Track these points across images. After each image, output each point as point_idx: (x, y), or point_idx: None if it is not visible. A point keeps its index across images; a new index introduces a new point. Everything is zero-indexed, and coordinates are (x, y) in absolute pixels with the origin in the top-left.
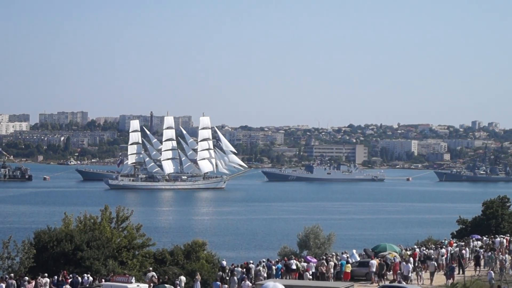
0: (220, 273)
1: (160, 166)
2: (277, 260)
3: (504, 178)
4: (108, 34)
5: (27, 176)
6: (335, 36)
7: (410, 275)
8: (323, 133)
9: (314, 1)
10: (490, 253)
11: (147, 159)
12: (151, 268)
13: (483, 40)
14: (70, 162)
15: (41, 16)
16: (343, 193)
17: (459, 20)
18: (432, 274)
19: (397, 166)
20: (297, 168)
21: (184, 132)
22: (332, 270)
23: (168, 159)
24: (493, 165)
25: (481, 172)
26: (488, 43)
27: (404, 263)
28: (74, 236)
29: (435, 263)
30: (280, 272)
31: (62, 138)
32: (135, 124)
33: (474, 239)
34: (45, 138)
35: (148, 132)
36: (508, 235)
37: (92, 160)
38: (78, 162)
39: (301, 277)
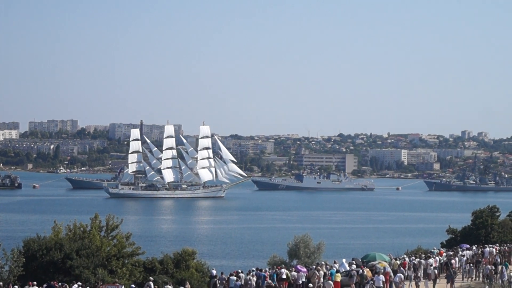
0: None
1: (160, 175)
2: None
3: (494, 188)
4: (98, 43)
5: (16, 184)
6: (325, 45)
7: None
8: (313, 142)
9: (304, 12)
10: (470, 265)
11: (147, 167)
12: (151, 278)
13: (473, 50)
14: (60, 170)
15: (31, 23)
16: (333, 202)
17: (447, 29)
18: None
19: (387, 176)
20: (287, 177)
21: (184, 140)
22: (322, 279)
23: (168, 168)
24: (482, 175)
25: (471, 181)
26: (478, 53)
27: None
28: (63, 245)
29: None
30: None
31: (51, 146)
32: (135, 133)
33: (463, 248)
34: (35, 146)
35: (148, 141)
36: (498, 244)
37: (82, 169)
38: (68, 170)
39: (291, 286)
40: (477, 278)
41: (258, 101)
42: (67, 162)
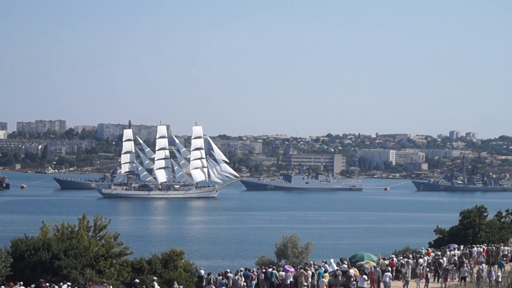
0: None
1: (153, 175)
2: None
3: (482, 188)
4: (87, 44)
5: (4, 185)
6: (313, 46)
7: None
8: (302, 142)
9: (290, 13)
10: (451, 266)
11: (140, 168)
12: (155, 278)
13: (461, 51)
14: (48, 171)
15: (17, 24)
16: (321, 203)
17: (435, 30)
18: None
19: (375, 176)
20: (275, 177)
21: (177, 141)
22: (310, 279)
23: (161, 168)
24: (470, 175)
25: (459, 182)
26: (466, 53)
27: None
28: (51, 245)
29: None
30: (273, 279)
31: (40, 147)
32: (128, 133)
33: (451, 248)
34: (23, 147)
35: (141, 141)
36: (485, 244)
37: (70, 169)
38: (56, 170)
39: (279, 286)
40: (459, 280)
41: (247, 102)
42: (55, 163)
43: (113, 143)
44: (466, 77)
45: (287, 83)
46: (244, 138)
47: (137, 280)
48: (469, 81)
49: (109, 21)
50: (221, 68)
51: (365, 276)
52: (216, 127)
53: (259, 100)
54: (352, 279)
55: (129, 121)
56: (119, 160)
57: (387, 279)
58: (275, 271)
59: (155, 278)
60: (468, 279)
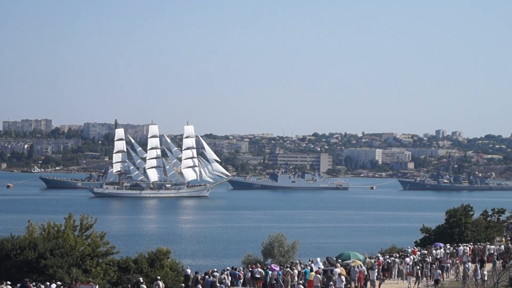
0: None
1: (145, 175)
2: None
3: (468, 187)
4: (70, 43)
5: None
6: (299, 45)
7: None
8: (288, 141)
9: (279, 12)
10: (423, 264)
11: (132, 167)
12: (159, 277)
13: (447, 50)
14: (34, 170)
15: (1, 23)
16: (308, 202)
17: (420, 29)
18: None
19: (361, 175)
20: (261, 176)
21: (169, 140)
22: (296, 278)
23: (152, 167)
24: (456, 174)
25: (445, 181)
26: (451, 52)
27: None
28: (37, 244)
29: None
30: (281, 278)
31: (26, 146)
32: (120, 133)
33: (438, 247)
34: (9, 146)
35: (133, 141)
36: (471, 243)
37: (56, 168)
38: (42, 169)
39: (265, 285)
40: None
41: (233, 101)
42: (41, 162)
43: (99, 142)
44: (452, 76)
45: (273, 83)
46: (230, 137)
47: (140, 279)
48: (455, 80)
49: (96, 21)
50: (207, 67)
51: (342, 277)
52: (202, 126)
53: (245, 99)
54: (332, 278)
55: (116, 120)
56: (105, 160)
57: (374, 277)
58: (260, 269)
59: (159, 277)
60: (454, 278)
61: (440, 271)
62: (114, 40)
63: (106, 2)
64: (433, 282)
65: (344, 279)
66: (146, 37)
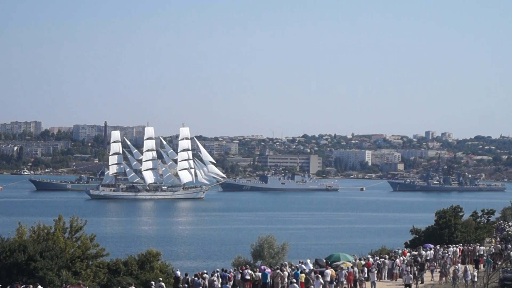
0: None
1: (141, 177)
2: (294, 267)
3: (457, 188)
4: (59, 45)
5: None
6: (290, 47)
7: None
8: (278, 143)
9: (269, 14)
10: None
11: (128, 169)
12: (161, 279)
13: (437, 51)
14: (24, 172)
15: None
16: (297, 203)
17: (409, 31)
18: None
19: (351, 176)
20: (251, 178)
21: (164, 142)
22: (286, 280)
23: (148, 169)
24: (446, 175)
25: (435, 182)
26: (441, 54)
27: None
28: (27, 247)
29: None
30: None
31: (15, 148)
32: (115, 135)
33: (427, 248)
34: None
35: (128, 143)
36: (461, 244)
37: (46, 170)
38: (32, 172)
39: (255, 287)
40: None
41: (222, 102)
42: (31, 164)
43: (89, 144)
44: (442, 77)
45: (263, 84)
46: (220, 139)
47: (152, 282)
48: (444, 81)
49: (89, 22)
50: (198, 70)
51: (320, 279)
52: (192, 128)
53: (235, 101)
54: (310, 281)
55: (105, 122)
56: (95, 162)
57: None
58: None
59: (161, 279)
60: (443, 279)
61: (411, 276)
62: (106, 42)
63: (101, 4)
64: (451, 279)
65: (322, 281)
66: (138, 40)
